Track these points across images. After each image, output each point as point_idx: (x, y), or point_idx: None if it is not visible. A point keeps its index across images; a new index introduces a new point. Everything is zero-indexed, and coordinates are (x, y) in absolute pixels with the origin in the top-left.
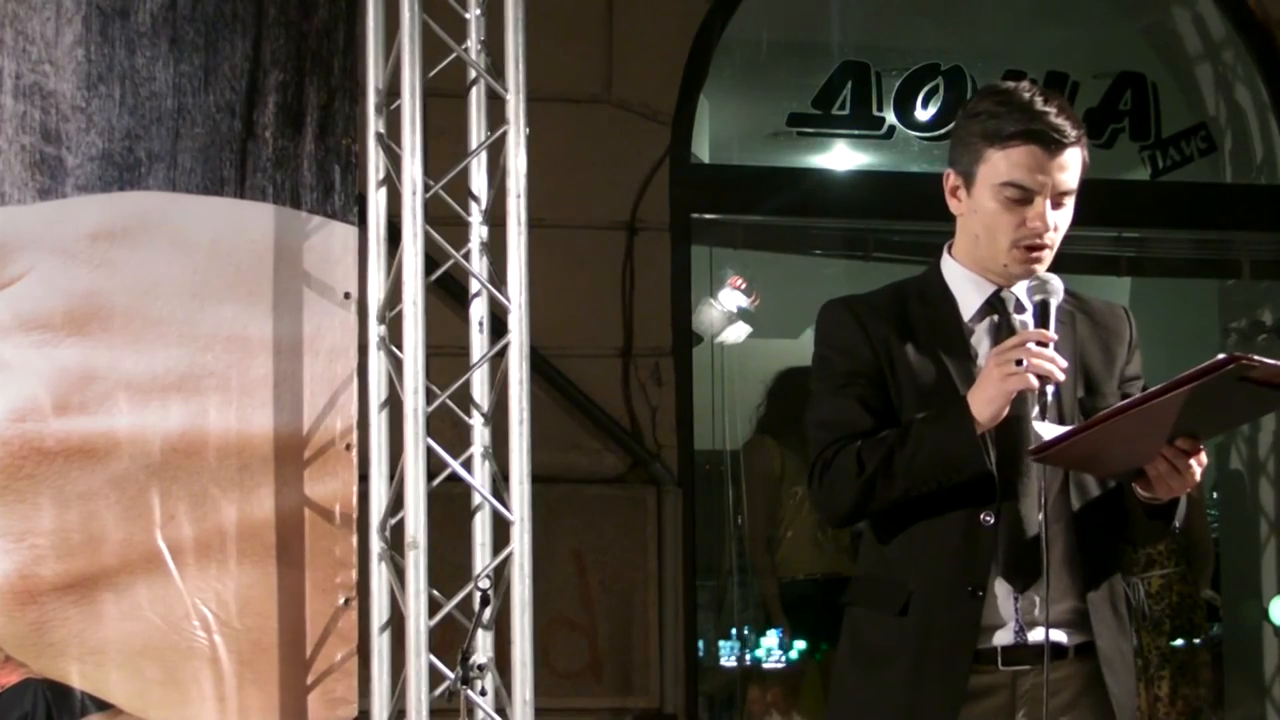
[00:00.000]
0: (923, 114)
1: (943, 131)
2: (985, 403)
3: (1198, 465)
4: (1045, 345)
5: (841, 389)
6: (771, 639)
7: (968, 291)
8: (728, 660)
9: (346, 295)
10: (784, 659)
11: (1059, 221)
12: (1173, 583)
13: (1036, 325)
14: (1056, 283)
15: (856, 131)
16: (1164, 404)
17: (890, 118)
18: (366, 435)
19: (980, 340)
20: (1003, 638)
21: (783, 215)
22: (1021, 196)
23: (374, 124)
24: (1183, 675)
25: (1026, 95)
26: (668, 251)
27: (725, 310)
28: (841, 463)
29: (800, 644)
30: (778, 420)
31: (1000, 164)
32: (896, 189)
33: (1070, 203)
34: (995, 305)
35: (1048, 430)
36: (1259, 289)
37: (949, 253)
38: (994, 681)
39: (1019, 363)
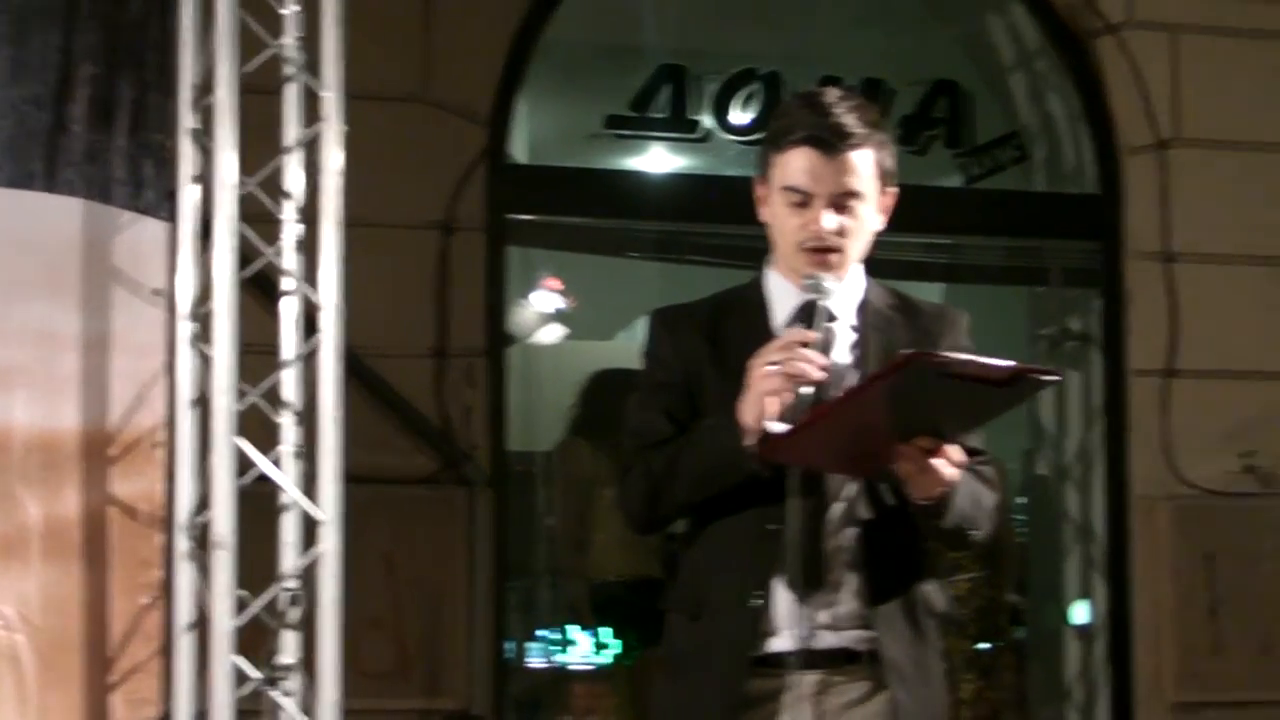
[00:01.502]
0: (739, 118)
1: (759, 136)
2: (746, 406)
3: (945, 465)
4: (806, 345)
5: (650, 399)
6: (580, 640)
7: (782, 299)
8: (537, 661)
9: (156, 291)
10: (593, 661)
11: (846, 224)
12: (979, 587)
13: (800, 325)
14: (829, 283)
15: (673, 134)
16: (862, 400)
17: (707, 121)
18: (175, 433)
19: None
20: (784, 643)
21: (599, 217)
22: (800, 200)
23: (188, 119)
24: (986, 677)
25: (821, 100)
26: (483, 252)
27: (540, 311)
28: (637, 469)
29: (609, 646)
30: (591, 422)
31: (784, 168)
32: (712, 192)
33: (860, 205)
34: (807, 312)
35: (778, 428)
36: (1068, 296)
37: (768, 262)
38: (778, 686)
39: (775, 364)
